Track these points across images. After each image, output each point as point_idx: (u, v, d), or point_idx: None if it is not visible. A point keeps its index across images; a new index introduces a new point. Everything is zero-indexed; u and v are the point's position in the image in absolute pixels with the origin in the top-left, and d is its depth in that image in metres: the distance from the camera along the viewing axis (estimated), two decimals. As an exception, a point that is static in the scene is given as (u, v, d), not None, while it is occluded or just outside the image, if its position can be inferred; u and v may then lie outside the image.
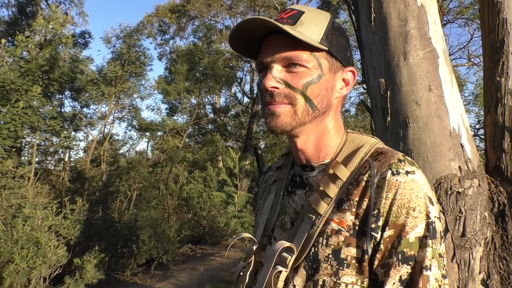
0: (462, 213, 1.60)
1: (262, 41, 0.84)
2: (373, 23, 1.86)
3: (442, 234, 0.74)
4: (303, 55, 0.79)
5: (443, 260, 0.72)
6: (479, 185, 1.66)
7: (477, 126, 12.97)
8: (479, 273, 1.59)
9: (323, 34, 0.80)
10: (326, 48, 0.80)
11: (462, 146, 1.68)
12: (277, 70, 0.80)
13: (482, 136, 11.24)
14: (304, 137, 0.85)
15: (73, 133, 8.24)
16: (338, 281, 0.74)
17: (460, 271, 1.59)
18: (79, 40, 10.68)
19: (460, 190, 1.61)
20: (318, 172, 0.86)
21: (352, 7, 2.25)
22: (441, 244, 0.73)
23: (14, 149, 6.21)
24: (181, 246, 9.03)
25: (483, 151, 2.10)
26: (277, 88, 0.79)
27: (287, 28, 0.76)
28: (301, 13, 0.81)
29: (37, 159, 8.06)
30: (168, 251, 7.89)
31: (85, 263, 5.60)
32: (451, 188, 1.62)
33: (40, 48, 7.11)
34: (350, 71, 0.87)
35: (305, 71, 0.79)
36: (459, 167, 1.65)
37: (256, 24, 0.78)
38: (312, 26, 0.80)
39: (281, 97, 0.80)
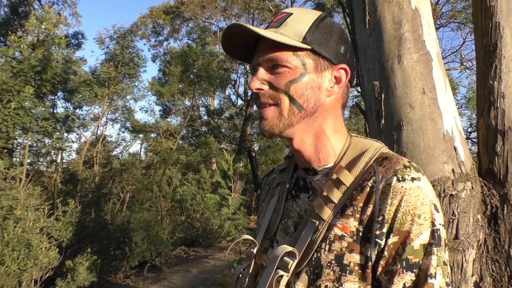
0: (455, 216, 1.61)
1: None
2: (367, 26, 1.86)
3: (446, 241, 0.73)
4: (285, 56, 0.80)
5: (447, 268, 0.71)
6: (472, 188, 1.67)
7: (469, 130, 13.10)
8: (472, 275, 1.60)
9: (305, 33, 0.80)
10: (308, 47, 0.80)
11: (455, 149, 1.69)
12: (262, 72, 0.82)
13: (474, 139, 11.34)
14: (298, 138, 0.85)
15: (65, 134, 8.17)
16: (340, 287, 0.73)
17: (453, 273, 1.59)
18: (72, 40, 10.60)
19: (453, 193, 1.62)
20: (322, 176, 0.85)
21: (347, 10, 2.25)
22: (445, 252, 0.72)
23: (5, 150, 6.16)
24: (174, 249, 8.99)
25: (475, 154, 2.11)
26: (261, 89, 0.82)
27: (266, 32, 0.78)
28: (289, 15, 0.83)
29: (29, 161, 7.98)
30: (161, 254, 7.85)
31: (77, 265, 5.55)
32: (445, 191, 1.62)
33: (32, 49, 7.05)
34: (342, 68, 0.84)
35: (288, 71, 0.80)
36: (453, 170, 1.66)
37: (238, 30, 0.80)
38: (294, 26, 0.81)
39: (265, 98, 0.82)
